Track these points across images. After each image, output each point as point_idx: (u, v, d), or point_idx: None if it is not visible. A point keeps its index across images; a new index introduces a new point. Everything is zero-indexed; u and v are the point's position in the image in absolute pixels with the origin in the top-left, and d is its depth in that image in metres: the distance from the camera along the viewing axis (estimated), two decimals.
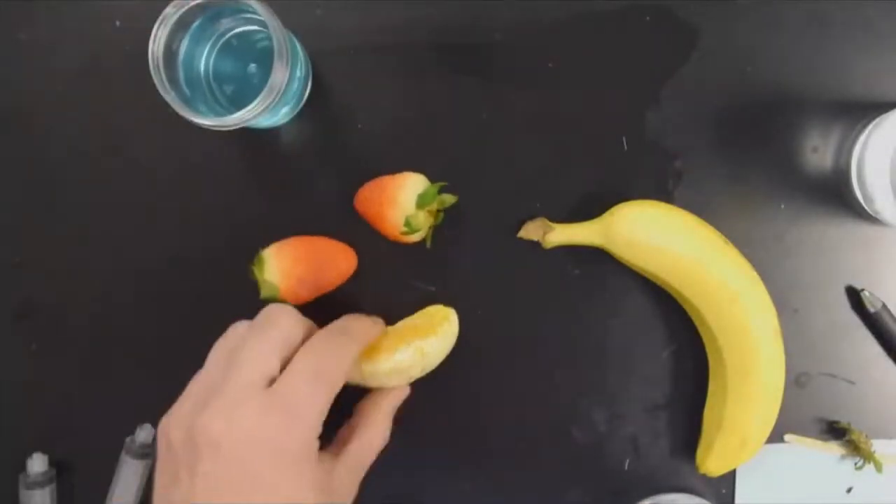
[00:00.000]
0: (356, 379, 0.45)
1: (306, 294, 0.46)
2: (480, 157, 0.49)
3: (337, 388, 0.39)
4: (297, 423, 0.37)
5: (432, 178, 0.47)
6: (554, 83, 0.49)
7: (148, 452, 0.48)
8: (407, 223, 0.45)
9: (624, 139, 0.49)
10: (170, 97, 0.40)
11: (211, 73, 0.44)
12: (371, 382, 0.45)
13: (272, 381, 0.38)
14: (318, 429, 0.39)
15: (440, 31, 0.48)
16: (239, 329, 0.42)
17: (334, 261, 0.47)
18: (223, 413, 0.37)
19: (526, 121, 0.49)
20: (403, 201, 0.45)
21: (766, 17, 0.48)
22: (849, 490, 0.50)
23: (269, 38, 0.40)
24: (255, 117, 0.40)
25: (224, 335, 0.42)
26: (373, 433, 0.44)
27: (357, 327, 0.44)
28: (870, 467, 0.49)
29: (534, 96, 0.49)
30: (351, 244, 0.48)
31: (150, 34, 0.40)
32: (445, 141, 0.49)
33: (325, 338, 0.41)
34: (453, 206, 0.47)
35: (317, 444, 0.39)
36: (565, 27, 0.48)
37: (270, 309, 0.41)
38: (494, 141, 0.49)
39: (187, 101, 0.41)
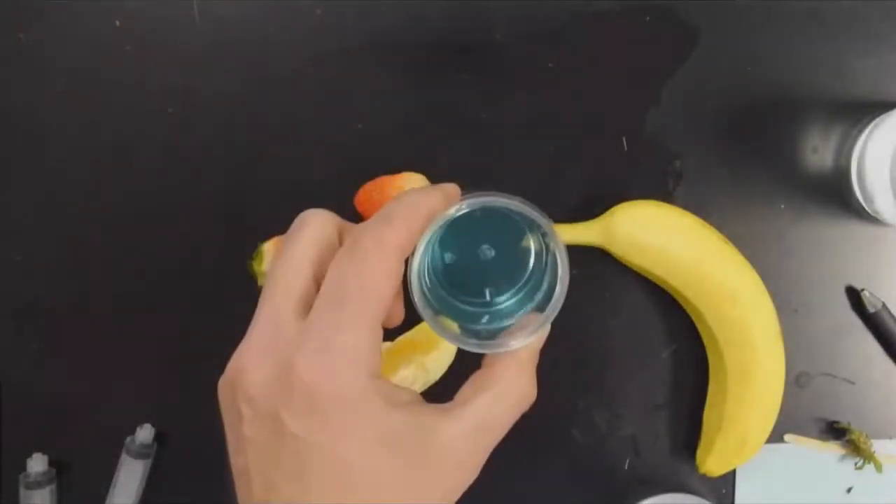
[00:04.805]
0: None
1: None
2: (480, 157, 0.49)
3: (381, 301, 0.29)
4: (336, 365, 0.28)
5: (432, 179, 0.47)
6: (554, 83, 0.49)
7: (148, 452, 0.48)
8: None
9: (624, 139, 0.49)
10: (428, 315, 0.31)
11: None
12: None
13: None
14: (370, 366, 0.29)
15: (440, 31, 0.48)
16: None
17: None
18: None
19: (526, 121, 0.49)
20: None
21: (766, 18, 0.48)
22: (849, 490, 0.50)
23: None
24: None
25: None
26: (507, 383, 0.32)
27: (401, 211, 0.32)
28: (870, 467, 0.49)
29: (534, 96, 0.49)
30: None
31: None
32: (445, 141, 0.49)
33: (350, 246, 0.31)
34: None
35: (384, 386, 0.30)
36: (565, 27, 0.48)
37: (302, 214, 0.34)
38: (494, 141, 0.49)
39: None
